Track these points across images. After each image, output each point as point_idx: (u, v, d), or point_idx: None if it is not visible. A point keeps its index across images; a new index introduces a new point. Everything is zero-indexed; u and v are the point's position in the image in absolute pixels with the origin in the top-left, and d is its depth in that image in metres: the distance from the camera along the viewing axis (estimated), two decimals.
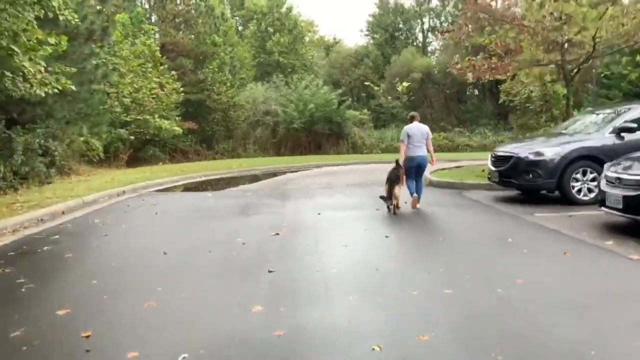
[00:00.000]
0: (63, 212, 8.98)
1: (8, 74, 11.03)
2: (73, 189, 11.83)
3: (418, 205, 8.53)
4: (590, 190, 8.45)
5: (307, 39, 47.15)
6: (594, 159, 8.43)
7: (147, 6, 33.73)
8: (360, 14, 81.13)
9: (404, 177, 8.36)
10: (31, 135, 14.66)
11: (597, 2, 10.37)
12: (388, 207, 8.20)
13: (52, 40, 12.16)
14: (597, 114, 9.67)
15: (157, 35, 31.48)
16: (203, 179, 15.72)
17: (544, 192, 9.19)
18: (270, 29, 40.99)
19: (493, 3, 14.02)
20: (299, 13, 44.67)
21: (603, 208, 6.56)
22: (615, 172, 6.36)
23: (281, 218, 7.95)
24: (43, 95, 12.66)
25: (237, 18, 46.99)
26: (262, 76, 38.04)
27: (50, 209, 8.94)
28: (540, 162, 8.49)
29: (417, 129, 8.50)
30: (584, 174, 8.46)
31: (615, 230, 6.50)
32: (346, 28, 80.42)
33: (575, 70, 13.02)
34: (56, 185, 12.88)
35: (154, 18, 33.12)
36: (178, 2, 33.64)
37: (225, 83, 31.53)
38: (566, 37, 11.73)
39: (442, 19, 44.38)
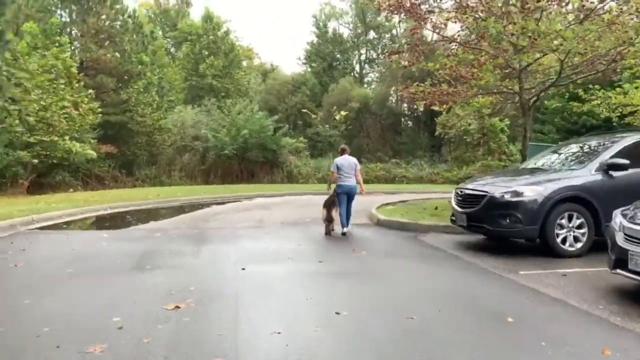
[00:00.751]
0: None
1: None
2: None
3: (346, 229, 8.99)
4: (576, 240, 6.88)
5: (244, 64, 45.27)
6: (581, 200, 6.89)
7: (66, 19, 30.46)
8: (298, 42, 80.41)
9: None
10: None
11: (573, 19, 9.21)
12: (328, 231, 8.91)
13: None
14: (577, 145, 8.27)
15: (76, 51, 28.39)
16: (109, 211, 13.06)
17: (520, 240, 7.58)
18: (205, 52, 38.73)
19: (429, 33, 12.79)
20: (237, 38, 42.85)
21: (620, 271, 4.88)
22: None
23: (189, 277, 5.70)
24: None
25: (169, 39, 44.40)
26: (194, 99, 35.55)
27: None
28: (519, 204, 6.82)
29: (346, 160, 9.06)
30: (570, 219, 6.88)
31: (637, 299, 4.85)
32: (284, 55, 79.48)
33: (534, 100, 11.82)
34: None
35: (74, 32, 29.89)
36: (103, 16, 30.66)
37: (151, 104, 28.78)
38: (525, 63, 10.46)
39: (379, 50, 44.03)
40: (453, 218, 7.88)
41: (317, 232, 9.09)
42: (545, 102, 26.72)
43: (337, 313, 4.39)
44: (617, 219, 5.23)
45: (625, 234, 4.90)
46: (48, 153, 21.03)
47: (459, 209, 7.54)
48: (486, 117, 25.83)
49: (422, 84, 12.40)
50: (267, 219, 11.22)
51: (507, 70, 11.25)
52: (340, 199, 9.01)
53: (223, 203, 15.64)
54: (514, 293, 5.16)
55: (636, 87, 15.22)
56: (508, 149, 26.14)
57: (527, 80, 11.70)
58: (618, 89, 15.79)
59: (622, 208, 5.39)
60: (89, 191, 23.00)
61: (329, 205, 8.93)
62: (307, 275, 5.81)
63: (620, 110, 16.42)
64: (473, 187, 7.47)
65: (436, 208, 10.98)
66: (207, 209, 13.73)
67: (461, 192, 7.56)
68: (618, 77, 11.99)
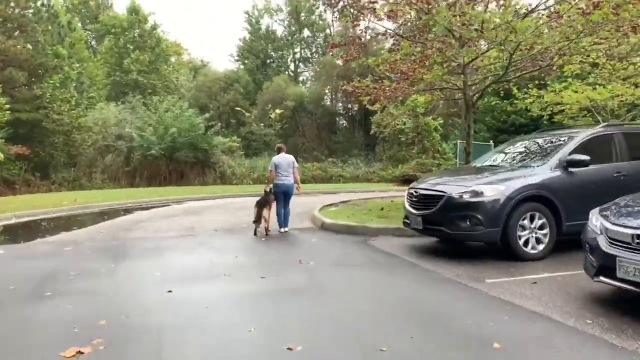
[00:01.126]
0: None
1: None
2: None
3: (285, 230, 8.95)
4: (539, 242, 6.37)
5: (173, 59, 43.09)
6: (542, 200, 6.39)
7: None
8: (230, 39, 78.22)
9: (274, 203, 8.92)
10: None
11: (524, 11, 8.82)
12: (256, 232, 8.67)
13: None
14: (528, 143, 7.84)
15: None
16: (13, 221, 11.35)
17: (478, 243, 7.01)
18: (130, 46, 36.35)
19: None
20: (165, 32, 40.63)
21: (606, 279, 4.31)
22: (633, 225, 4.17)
23: (101, 306, 4.57)
24: None
25: (90, 32, 41.40)
26: (118, 96, 33.19)
27: None
28: (480, 205, 6.20)
29: (284, 159, 8.98)
30: (532, 219, 6.36)
31: (633, 312, 4.31)
32: (215, 52, 76.97)
33: (477, 96, 11.45)
34: None
35: None
36: (12, 3, 27.73)
37: (69, 101, 26.38)
38: (470, 58, 10.02)
39: (314, 49, 43.42)
40: (407, 221, 7.17)
41: (257, 241, 8.13)
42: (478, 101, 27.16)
43: (290, 349, 3.48)
44: (596, 220, 4.68)
45: (609, 238, 4.35)
46: None
47: (414, 211, 6.83)
48: (421, 117, 25.82)
49: (364, 80, 11.67)
50: (198, 226, 10.08)
51: (450, 67, 10.78)
52: (278, 198, 8.91)
53: (149, 208, 14.23)
54: (488, 308, 4.47)
55: (565, 87, 15.44)
56: (442, 147, 26.27)
57: (471, 77, 11.31)
58: (550, 88, 16.00)
59: (600, 208, 4.86)
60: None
61: (261, 205, 8.71)
62: (249, 297, 4.85)
63: (552, 109, 16.69)
64: (428, 187, 6.78)
65: (382, 209, 10.32)
66: (129, 216, 12.33)
67: (416, 192, 6.86)
68: (557, 74, 11.82)
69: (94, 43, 41.95)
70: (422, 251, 7.04)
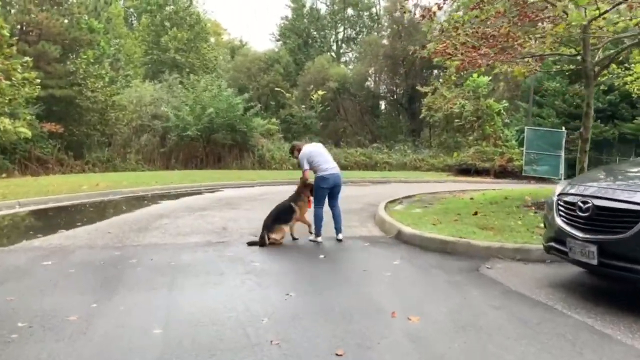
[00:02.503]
0: None
1: None
2: None
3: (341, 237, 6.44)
4: None
5: (212, 40, 40.85)
6: None
7: None
8: (270, 17, 75.34)
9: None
10: None
11: None
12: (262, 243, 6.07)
13: None
14: None
15: (12, 11, 23.65)
16: (13, 211, 9.12)
17: None
18: (167, 24, 34.15)
19: None
20: (204, 11, 38.25)
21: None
22: None
23: None
24: None
25: (130, 9, 39.47)
26: (155, 75, 31.12)
27: None
28: None
29: (317, 146, 6.64)
30: None
31: None
32: (254, 31, 74.34)
33: (605, 64, 8.43)
34: None
35: None
36: None
37: (102, 78, 24.29)
38: (591, 16, 7.05)
39: (357, 29, 40.33)
40: (556, 245, 4.35)
41: (312, 258, 5.54)
42: (545, 82, 23.68)
43: None
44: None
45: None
46: None
47: (579, 234, 4.01)
48: (482, 98, 22.60)
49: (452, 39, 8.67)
50: (232, 226, 7.56)
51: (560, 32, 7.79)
52: (321, 197, 6.34)
53: (177, 197, 11.89)
54: None
55: None
56: (503, 133, 23.00)
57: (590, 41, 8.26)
58: None
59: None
60: (26, 177, 18.86)
61: (286, 211, 6.36)
62: None
63: None
64: (612, 194, 3.95)
65: (476, 213, 7.51)
66: (152, 207, 9.95)
67: (584, 203, 4.02)
68: None
69: (133, 21, 40.04)
70: (585, 295, 4.26)
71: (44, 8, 23.81)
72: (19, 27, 23.23)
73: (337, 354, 2.98)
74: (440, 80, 27.23)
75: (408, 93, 33.17)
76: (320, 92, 28.67)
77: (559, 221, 4.26)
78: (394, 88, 36.12)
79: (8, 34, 19.37)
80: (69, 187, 12.31)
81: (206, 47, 35.21)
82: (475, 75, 20.69)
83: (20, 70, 19.09)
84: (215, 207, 9.81)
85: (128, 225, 7.58)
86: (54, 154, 22.85)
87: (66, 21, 24.73)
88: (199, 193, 12.78)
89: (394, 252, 5.77)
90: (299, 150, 6.51)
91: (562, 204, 4.29)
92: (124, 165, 23.87)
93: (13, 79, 18.73)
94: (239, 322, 3.50)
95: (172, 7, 33.72)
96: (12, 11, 23.88)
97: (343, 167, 28.61)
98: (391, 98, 37.20)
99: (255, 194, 12.38)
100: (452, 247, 5.71)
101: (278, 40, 39.54)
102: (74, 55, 24.48)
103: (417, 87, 27.55)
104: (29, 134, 18.86)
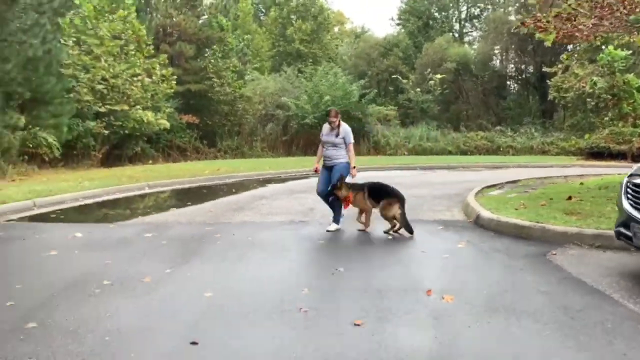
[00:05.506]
0: None
1: None
2: None
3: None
4: None
5: (336, 29, 41.76)
6: None
7: None
8: (391, 2, 74.47)
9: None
10: None
11: None
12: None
13: None
14: None
15: (156, 15, 26.68)
16: (141, 192, 10.58)
17: None
18: (293, 16, 35.66)
19: None
20: (327, 1, 39.08)
21: None
22: None
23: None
24: None
25: (260, 5, 41.92)
26: (280, 67, 32.83)
27: None
28: None
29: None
30: None
31: None
32: (376, 17, 74.00)
33: None
34: None
35: None
36: None
37: (231, 72, 26.38)
38: None
39: (482, 5, 38.09)
40: (624, 231, 3.98)
41: (382, 239, 5.70)
42: None
43: None
44: None
45: None
46: (120, 123, 19.42)
47: None
48: (618, 74, 20.10)
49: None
50: (320, 208, 7.96)
51: None
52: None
53: (285, 180, 12.69)
54: None
55: None
56: None
57: None
58: None
59: None
60: (168, 163, 21.41)
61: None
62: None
63: None
64: None
65: (569, 198, 6.96)
66: (258, 190, 10.82)
67: None
68: None
69: (263, 17, 42.46)
70: None
71: (182, 11, 26.55)
72: (161, 30, 26.18)
73: (355, 324, 3.18)
74: (575, 56, 24.70)
75: (538, 72, 30.58)
76: (438, 76, 27.83)
77: (626, 205, 3.90)
78: (523, 67, 33.56)
79: (146, 36, 22.02)
80: (194, 171, 13.81)
81: (328, 37, 36.09)
82: (610, 47, 18.45)
83: (159, 68, 21.67)
84: (313, 190, 10.32)
85: (229, 205, 8.41)
86: (191, 142, 25.50)
87: (200, 21, 27.28)
88: (306, 177, 13.44)
89: (462, 236, 5.67)
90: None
91: (630, 186, 3.91)
92: (250, 153, 25.80)
93: (153, 76, 21.34)
94: (281, 291, 3.85)
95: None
96: (158, 16, 26.95)
97: (462, 152, 27.78)
98: (519, 78, 34.62)
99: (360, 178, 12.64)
100: (527, 232, 5.44)
101: (398, 24, 38.98)
102: (206, 52, 26.90)
103: (544, 69, 25.32)
104: (167, 125, 21.31)
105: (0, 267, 4.82)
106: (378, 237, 5.88)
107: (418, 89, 28.27)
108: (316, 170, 6.78)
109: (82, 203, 8.97)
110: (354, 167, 6.40)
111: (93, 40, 18.93)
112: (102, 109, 18.72)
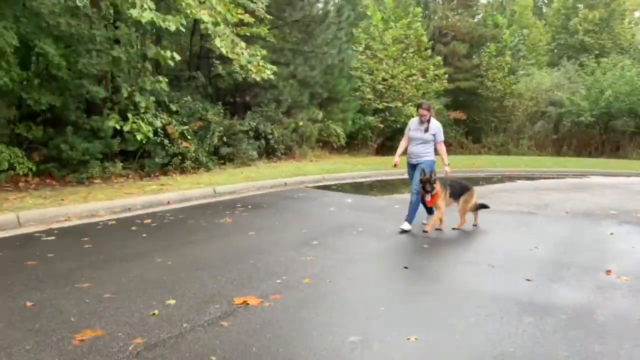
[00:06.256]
0: (168, 202, 7.60)
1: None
2: (238, 174, 10.66)
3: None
4: None
5: (636, 14, 36.56)
6: None
7: None
8: None
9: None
10: (247, 119, 14.32)
11: None
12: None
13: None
14: None
15: (433, 17, 28.72)
16: (405, 176, 12.53)
17: None
18: (580, 5, 32.97)
19: None
20: None
21: None
22: None
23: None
24: (259, 80, 11.99)
25: None
26: (559, 61, 30.94)
27: (157, 197, 7.72)
28: None
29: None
30: None
31: None
32: None
33: None
34: (240, 170, 11.96)
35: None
36: None
37: (503, 69, 26.51)
38: None
39: None
40: None
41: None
42: None
43: None
44: None
45: None
46: (394, 118, 22.21)
47: None
48: None
49: None
50: (555, 205, 8.40)
51: None
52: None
53: (535, 179, 12.91)
54: None
55: None
56: None
57: None
58: None
59: None
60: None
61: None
62: None
63: None
64: None
65: None
66: (505, 184, 11.59)
67: None
68: None
69: (545, 9, 40.22)
70: None
71: (458, 12, 27.93)
72: (438, 31, 28.11)
73: (526, 279, 4.20)
74: None
75: None
76: None
77: None
78: None
79: (426, 40, 24.23)
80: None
81: (622, 25, 32.02)
82: None
83: (432, 69, 23.66)
84: (559, 189, 10.52)
85: None
86: (457, 138, 26.83)
87: (474, 20, 28.13)
88: (562, 177, 13.31)
89: None
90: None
91: None
92: (515, 150, 25.57)
93: (427, 76, 23.45)
94: (337, 269, 4.43)
95: None
96: (435, 18, 28.99)
97: None
98: None
99: (620, 183, 11.96)
100: None
101: None
102: (478, 50, 27.61)
103: None
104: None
105: (302, 213, 7.29)
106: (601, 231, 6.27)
107: None
108: (395, 165, 6.56)
109: (356, 180, 11.51)
110: (448, 164, 6.28)
111: (378, 46, 22.15)
112: (380, 106, 21.79)
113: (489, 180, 12.38)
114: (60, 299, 3.50)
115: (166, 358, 2.68)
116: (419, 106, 6.16)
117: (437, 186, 5.84)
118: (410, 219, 5.92)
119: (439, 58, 24.06)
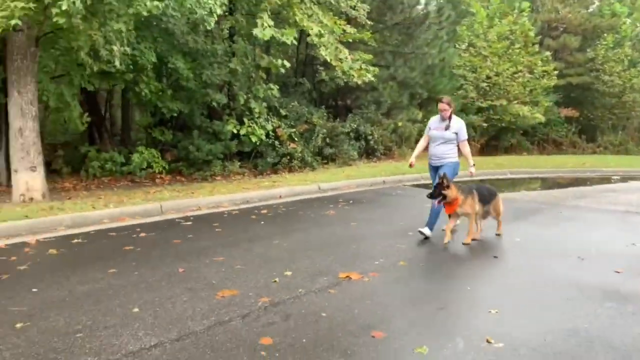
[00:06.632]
0: (280, 196, 8.57)
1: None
2: (340, 173, 11.41)
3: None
4: None
5: None
6: None
7: None
8: None
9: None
10: (348, 121, 15.04)
11: None
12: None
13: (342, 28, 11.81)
14: None
15: (540, 11, 27.41)
16: (507, 176, 12.44)
17: None
18: None
19: None
20: None
21: None
22: None
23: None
24: (360, 83, 12.78)
25: None
26: None
27: (271, 191, 8.71)
28: None
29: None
30: None
31: None
32: None
33: None
34: (341, 169, 12.72)
35: None
36: None
37: (622, 61, 24.56)
38: None
39: None
40: None
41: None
42: None
43: None
44: None
45: None
46: (498, 117, 21.69)
47: None
48: None
49: None
50: None
51: None
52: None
53: None
54: None
55: None
56: None
57: None
58: None
59: None
60: (542, 155, 22.40)
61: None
62: None
63: None
64: None
65: None
66: (614, 185, 11.10)
67: None
68: None
69: None
70: None
71: (568, 3, 26.38)
72: (546, 25, 26.76)
73: (467, 288, 4.36)
74: None
75: None
76: None
77: None
78: None
79: (533, 35, 23.28)
80: (557, 164, 14.71)
81: None
82: None
83: (540, 64, 22.69)
84: None
85: (574, 193, 9.44)
86: (568, 136, 25.37)
87: (587, 11, 26.34)
88: None
89: None
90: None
91: None
92: (636, 150, 23.65)
93: (535, 72, 22.55)
94: (430, 255, 5.19)
95: None
96: (544, 11, 27.61)
97: None
98: None
99: None
100: None
101: None
102: (593, 43, 25.83)
103: None
104: (542, 119, 22.19)
105: (399, 208, 7.82)
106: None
107: None
108: (411, 165, 6.15)
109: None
110: (473, 164, 5.74)
111: (482, 44, 21.78)
112: (484, 104, 21.40)
113: (598, 180, 11.88)
114: (203, 268, 4.42)
115: (287, 312, 3.42)
116: (438, 100, 5.76)
117: (453, 192, 5.22)
118: (431, 224, 5.57)
119: (547, 53, 23.00)
